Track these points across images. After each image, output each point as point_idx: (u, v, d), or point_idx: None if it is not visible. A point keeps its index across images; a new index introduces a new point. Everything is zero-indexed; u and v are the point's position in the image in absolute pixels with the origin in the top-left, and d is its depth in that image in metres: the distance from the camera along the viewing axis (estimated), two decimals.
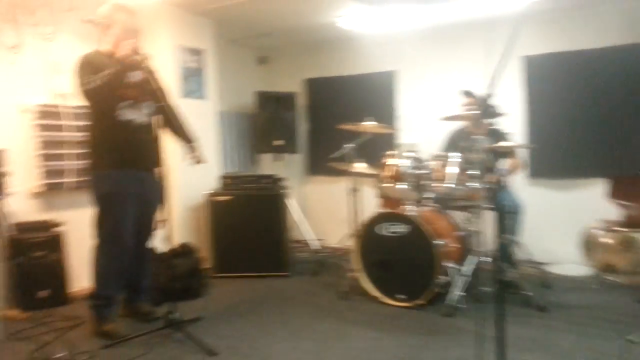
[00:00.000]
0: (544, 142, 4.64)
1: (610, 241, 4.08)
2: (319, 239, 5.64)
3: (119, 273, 3.08)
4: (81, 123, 3.20)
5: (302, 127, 5.93)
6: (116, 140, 2.99)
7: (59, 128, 3.71)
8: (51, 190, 3.71)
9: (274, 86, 6.05)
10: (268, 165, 6.06)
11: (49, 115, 3.68)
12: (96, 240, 3.04)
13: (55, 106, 3.72)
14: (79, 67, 2.91)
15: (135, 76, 3.02)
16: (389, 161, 3.89)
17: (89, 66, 2.90)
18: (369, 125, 4.04)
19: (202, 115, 4.70)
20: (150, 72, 2.93)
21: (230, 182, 4.43)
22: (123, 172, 3.01)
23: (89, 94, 2.85)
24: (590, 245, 4.01)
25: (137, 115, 3.04)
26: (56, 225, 3.67)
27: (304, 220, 5.71)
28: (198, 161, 3.25)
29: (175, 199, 4.35)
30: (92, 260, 3.04)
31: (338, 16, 4.71)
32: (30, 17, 3.61)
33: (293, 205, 5.30)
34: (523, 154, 4.39)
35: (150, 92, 3.05)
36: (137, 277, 3.29)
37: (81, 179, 3.59)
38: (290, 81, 6.02)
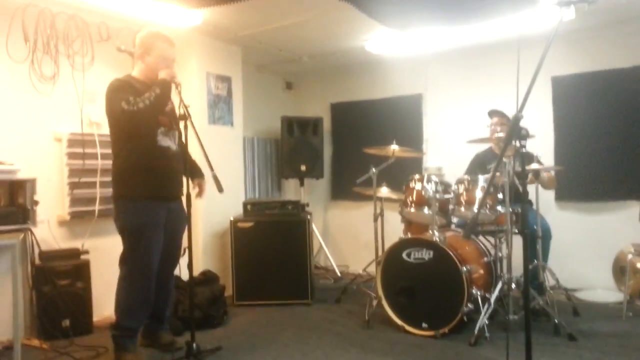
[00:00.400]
0: (572, 164, 4.56)
1: None
2: (341, 265, 5.62)
3: (143, 305, 3.03)
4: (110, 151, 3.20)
5: (327, 152, 5.97)
6: (152, 167, 2.97)
7: (89, 156, 3.80)
8: (78, 218, 3.77)
9: (300, 111, 6.13)
10: (293, 190, 6.12)
11: (80, 143, 3.77)
12: (123, 271, 3.00)
13: (88, 134, 3.82)
14: (115, 89, 2.89)
15: (168, 104, 3.08)
16: (414, 185, 3.88)
17: (129, 88, 2.90)
18: (394, 149, 4.04)
19: (229, 142, 4.78)
20: (179, 102, 2.94)
21: (253, 208, 4.44)
22: (156, 202, 3.00)
23: (133, 115, 2.79)
24: (622, 270, 3.87)
25: (171, 142, 3.07)
26: (82, 253, 3.69)
27: (327, 246, 5.71)
28: (201, 195, 3.31)
29: (199, 225, 4.40)
30: (117, 290, 3.01)
31: (366, 40, 4.76)
32: (67, 48, 3.75)
33: (316, 231, 5.31)
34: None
35: (177, 120, 3.09)
36: (161, 306, 3.26)
37: (107, 206, 3.62)
38: (316, 106, 6.09)
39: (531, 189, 3.84)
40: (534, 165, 3.62)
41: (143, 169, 2.96)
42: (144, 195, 2.96)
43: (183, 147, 3.10)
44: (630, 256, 3.82)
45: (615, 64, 4.44)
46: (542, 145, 4.25)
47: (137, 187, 2.96)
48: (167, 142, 3.05)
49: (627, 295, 3.78)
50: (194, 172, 3.30)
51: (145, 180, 2.96)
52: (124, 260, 3.01)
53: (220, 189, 2.88)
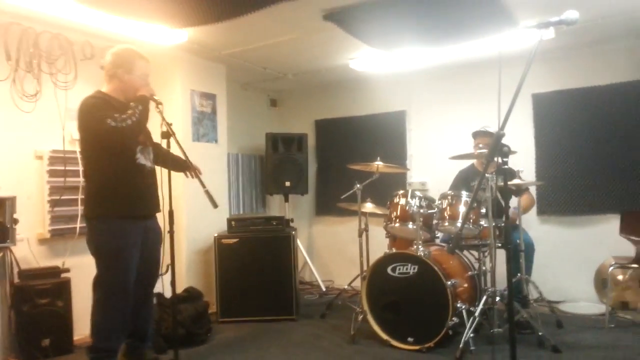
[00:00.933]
0: (553, 179, 4.65)
1: (624, 278, 4.00)
2: (327, 281, 5.61)
3: (120, 326, 2.97)
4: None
5: (312, 168, 5.98)
6: (131, 185, 2.94)
7: (70, 173, 3.78)
8: (59, 236, 3.74)
9: (285, 128, 6.15)
10: (277, 206, 6.12)
11: (62, 160, 3.75)
12: (97, 294, 2.94)
13: (69, 152, 3.80)
14: (94, 106, 2.84)
15: None
16: (399, 201, 3.90)
17: (108, 105, 2.86)
18: (379, 165, 4.07)
19: (213, 159, 4.77)
20: (161, 120, 2.92)
21: (238, 224, 4.43)
22: (130, 221, 2.94)
23: (121, 132, 2.75)
24: (604, 282, 3.93)
25: (146, 160, 3.05)
26: (62, 271, 3.64)
27: (312, 262, 5.70)
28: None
29: (182, 242, 4.37)
30: (92, 312, 2.94)
31: (351, 58, 4.81)
32: (50, 66, 3.73)
33: (301, 247, 5.30)
34: (532, 191, 4.38)
35: (150, 138, 3.11)
36: (142, 325, 3.19)
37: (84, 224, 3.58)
38: (301, 122, 6.12)
39: (513, 203, 3.88)
40: (516, 181, 3.68)
41: (121, 188, 2.92)
42: (121, 214, 2.91)
43: (162, 152, 3.11)
44: (611, 268, 3.89)
45: (593, 82, 4.54)
46: (524, 160, 4.33)
47: (114, 207, 2.91)
48: (143, 160, 3.03)
49: (609, 307, 3.83)
50: (181, 164, 3.20)
51: (122, 199, 2.92)
52: (99, 283, 2.93)
53: (214, 205, 2.88)
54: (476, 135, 4.27)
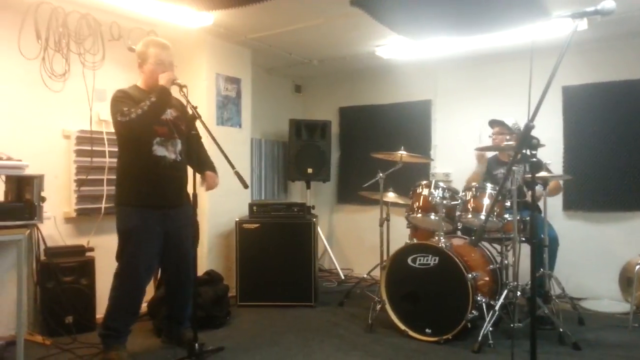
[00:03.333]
0: (581, 173, 4.55)
1: None
2: (346, 269, 5.61)
3: (129, 309, 3.07)
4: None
5: (335, 156, 5.96)
6: (145, 177, 2.99)
7: (97, 154, 3.83)
8: (85, 216, 3.81)
9: (308, 114, 6.14)
10: (299, 192, 6.12)
11: (89, 141, 3.81)
12: (116, 269, 3.07)
13: (96, 132, 3.85)
14: (116, 99, 2.94)
15: (167, 114, 3.08)
16: (421, 191, 3.87)
17: (127, 98, 2.95)
18: (402, 154, 4.03)
19: (236, 143, 4.77)
20: (186, 103, 2.96)
21: (259, 209, 4.44)
22: (145, 210, 3.01)
23: (128, 125, 2.85)
24: (629, 281, 3.84)
25: (167, 152, 3.06)
26: (87, 250, 3.72)
27: (332, 250, 5.70)
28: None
29: (204, 225, 4.40)
30: (110, 290, 3.07)
31: (377, 45, 4.76)
32: (79, 46, 3.77)
33: (321, 234, 5.30)
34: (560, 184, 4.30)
35: (180, 130, 3.12)
36: (179, 310, 3.33)
37: (112, 204, 3.64)
38: (325, 109, 6.10)
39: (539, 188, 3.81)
40: (543, 174, 3.60)
41: (136, 178, 3.01)
42: (134, 202, 3.01)
43: (193, 145, 3.11)
44: (637, 267, 3.78)
45: (627, 76, 4.41)
46: (551, 154, 4.23)
47: (130, 195, 3.02)
48: (163, 152, 3.04)
49: (633, 306, 3.75)
50: (203, 165, 3.25)
51: (137, 189, 3.00)
52: (117, 261, 3.07)
53: (245, 185, 2.93)
54: (492, 124, 4.27)
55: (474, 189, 3.72)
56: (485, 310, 3.38)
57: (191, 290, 3.20)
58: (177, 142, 3.13)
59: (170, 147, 3.08)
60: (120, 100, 2.94)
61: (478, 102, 5.15)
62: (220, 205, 4.53)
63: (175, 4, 3.64)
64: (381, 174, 4.06)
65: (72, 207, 3.75)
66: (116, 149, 3.17)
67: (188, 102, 2.95)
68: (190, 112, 2.97)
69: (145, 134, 2.97)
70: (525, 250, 3.10)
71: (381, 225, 4.14)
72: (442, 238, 3.55)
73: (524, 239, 3.53)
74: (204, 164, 3.26)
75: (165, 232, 3.09)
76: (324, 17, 4.00)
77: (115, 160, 3.22)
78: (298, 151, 5.49)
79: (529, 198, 3.17)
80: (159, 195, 3.04)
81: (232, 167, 2.92)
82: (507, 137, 4.09)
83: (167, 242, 3.12)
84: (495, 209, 3.58)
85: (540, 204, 3.75)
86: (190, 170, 3.16)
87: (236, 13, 3.83)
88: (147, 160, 3.00)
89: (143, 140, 2.99)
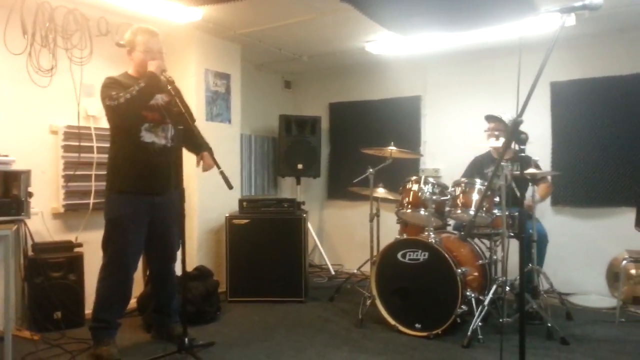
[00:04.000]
0: (569, 169, 4.58)
1: (637, 272, 3.94)
2: (336, 264, 5.62)
3: (119, 299, 3.07)
4: (106, 145, 3.25)
5: (325, 151, 5.96)
6: (134, 162, 3.00)
7: (85, 149, 3.80)
8: (73, 211, 3.78)
9: (298, 110, 6.13)
10: (289, 188, 6.12)
11: (77, 136, 3.77)
12: (103, 260, 3.06)
13: (84, 128, 3.82)
14: (105, 85, 2.96)
15: (158, 99, 3.08)
16: (411, 187, 3.88)
17: (116, 84, 2.95)
18: (392, 150, 4.03)
19: (226, 139, 4.76)
20: (176, 93, 2.96)
21: (249, 205, 4.44)
22: (134, 196, 3.01)
23: (116, 109, 2.86)
24: (616, 276, 3.89)
25: (157, 138, 3.06)
26: (75, 246, 3.69)
27: (322, 245, 5.71)
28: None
29: (194, 221, 4.39)
30: (97, 282, 3.06)
31: (367, 41, 4.75)
32: (66, 41, 3.73)
33: (311, 230, 5.30)
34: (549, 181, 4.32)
35: (171, 115, 3.10)
36: (164, 301, 3.33)
37: (102, 200, 3.58)
38: (315, 105, 6.09)
39: (527, 193, 3.83)
40: (532, 170, 3.62)
41: (125, 164, 3.02)
42: (125, 189, 3.01)
43: (188, 136, 3.07)
44: (624, 262, 3.83)
45: (615, 71, 4.44)
46: (540, 150, 4.27)
47: (119, 181, 3.03)
48: (152, 137, 3.04)
49: (620, 301, 3.79)
50: (198, 146, 3.21)
51: (126, 175, 3.01)
52: (103, 252, 3.07)
53: (229, 186, 2.92)
54: (488, 119, 4.24)
55: (463, 185, 3.73)
56: (474, 305, 3.40)
57: (175, 281, 3.21)
58: (169, 127, 3.12)
59: (160, 132, 3.08)
60: (109, 85, 2.95)
61: (467, 97, 5.17)
62: (210, 201, 4.51)
63: None
64: (371, 170, 4.06)
65: (60, 202, 3.72)
66: (104, 145, 3.17)
67: (175, 95, 2.94)
68: (176, 107, 2.97)
69: (133, 119, 2.96)
70: (514, 245, 3.13)
71: (371, 220, 4.14)
72: (431, 233, 3.56)
73: (512, 234, 3.56)
74: (200, 147, 3.22)
75: (151, 220, 3.09)
76: (314, 13, 3.99)
77: (103, 155, 3.20)
78: (288, 147, 5.49)
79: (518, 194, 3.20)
80: (148, 181, 3.04)
81: (218, 167, 2.95)
82: (496, 133, 4.10)
83: (154, 230, 3.12)
84: (485, 204, 3.60)
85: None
86: (190, 161, 3.14)
87: (225, 8, 3.81)
88: (136, 147, 3.00)
89: (131, 127, 2.98)
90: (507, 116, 4.15)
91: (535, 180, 3.80)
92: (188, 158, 3.29)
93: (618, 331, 3.56)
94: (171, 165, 3.09)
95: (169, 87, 2.94)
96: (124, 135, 3.02)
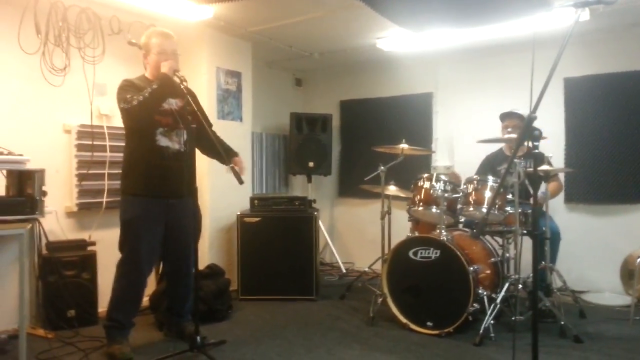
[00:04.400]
0: (583, 166, 4.53)
1: None
2: (347, 262, 5.62)
3: (132, 299, 3.10)
4: (121, 144, 3.28)
5: (336, 149, 5.95)
6: (148, 165, 3.01)
7: (98, 148, 3.82)
8: (86, 210, 3.81)
9: (309, 108, 6.13)
10: (300, 186, 6.12)
11: (90, 135, 3.79)
12: (119, 260, 3.09)
13: (97, 127, 3.84)
14: (121, 88, 2.99)
15: (172, 104, 3.10)
16: (423, 184, 3.86)
17: (131, 87, 2.98)
18: (404, 147, 4.02)
19: (237, 137, 4.73)
20: (190, 94, 2.98)
21: (260, 203, 4.44)
22: (148, 199, 3.03)
23: (130, 112, 2.89)
24: (630, 274, 3.84)
25: (171, 142, 3.08)
26: (89, 244, 3.72)
27: (333, 243, 5.70)
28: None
29: (206, 219, 4.40)
30: (113, 282, 3.10)
31: (378, 38, 4.73)
32: (79, 40, 3.75)
33: (322, 228, 5.29)
34: (561, 178, 4.28)
35: (185, 120, 3.10)
36: (179, 302, 3.35)
37: (115, 199, 3.65)
38: (325, 103, 6.08)
39: (542, 188, 3.80)
40: (545, 167, 3.59)
41: (139, 168, 3.04)
42: (137, 191, 3.04)
43: (204, 137, 3.09)
44: (638, 260, 3.78)
45: (629, 67, 4.38)
46: (553, 146, 4.23)
47: (133, 184, 3.06)
48: (166, 142, 3.06)
49: (634, 299, 3.75)
50: (226, 151, 3.19)
51: (140, 179, 3.03)
52: (120, 252, 3.10)
53: (240, 181, 2.91)
54: (504, 117, 4.18)
55: (475, 182, 3.71)
56: (486, 303, 3.38)
57: (192, 283, 3.21)
58: (182, 132, 3.14)
59: (174, 137, 3.10)
60: (124, 88, 2.98)
61: (479, 94, 5.13)
62: (222, 200, 4.53)
63: None
64: (382, 167, 4.05)
65: (73, 201, 3.75)
66: (117, 143, 3.18)
67: (186, 94, 2.94)
68: (189, 105, 2.97)
69: (147, 122, 2.98)
70: (527, 243, 3.10)
71: (382, 218, 4.13)
72: (443, 231, 3.54)
73: (525, 231, 3.53)
74: (228, 152, 3.22)
75: (166, 222, 3.11)
76: (324, 10, 3.98)
77: (116, 154, 3.21)
78: (299, 145, 5.49)
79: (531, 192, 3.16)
80: (161, 185, 3.06)
81: (228, 163, 2.94)
82: (511, 130, 4.05)
83: (168, 233, 3.14)
84: (497, 201, 3.57)
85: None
86: (201, 160, 3.12)
87: (236, 6, 3.81)
88: (151, 151, 3.02)
89: (146, 130, 3.00)
90: (521, 111, 4.11)
91: (547, 178, 3.76)
92: (201, 156, 3.29)
93: (632, 329, 3.52)
94: (184, 170, 3.09)
95: (182, 86, 2.93)
96: (138, 139, 3.04)
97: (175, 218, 3.13)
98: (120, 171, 3.17)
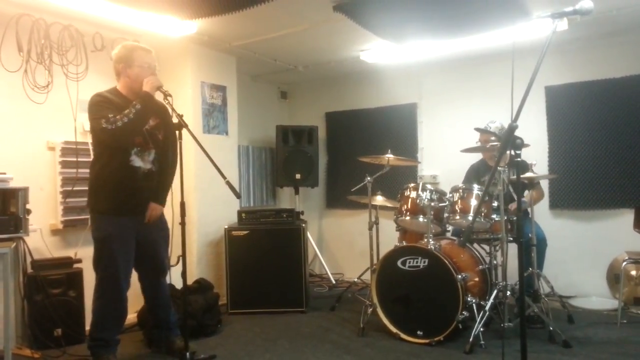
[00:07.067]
0: (566, 172, 4.61)
1: (638, 273, 3.95)
2: (336, 274, 5.61)
3: (115, 316, 3.07)
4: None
5: (322, 161, 5.97)
6: (120, 185, 2.97)
7: (83, 165, 3.77)
8: (71, 227, 3.77)
9: (295, 120, 6.15)
10: (287, 198, 6.12)
11: (74, 152, 3.77)
12: (95, 282, 3.05)
13: (81, 143, 3.81)
14: (94, 105, 2.91)
15: (147, 123, 3.06)
16: (409, 194, 3.88)
17: (107, 104, 2.91)
18: (389, 157, 4.04)
19: (223, 151, 4.76)
20: (171, 111, 2.97)
21: (248, 216, 4.43)
22: (118, 218, 3.00)
23: (114, 133, 2.80)
24: (617, 277, 3.90)
25: (143, 163, 3.05)
26: (74, 262, 3.67)
27: (322, 254, 5.70)
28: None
29: (193, 234, 4.38)
30: (92, 302, 3.06)
31: (362, 50, 4.78)
32: (61, 57, 3.74)
33: (311, 239, 5.29)
34: (544, 185, 4.33)
35: (156, 141, 3.10)
36: (162, 316, 3.32)
37: None
38: (311, 115, 6.11)
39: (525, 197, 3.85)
40: (529, 174, 3.63)
41: (109, 185, 2.99)
42: (108, 210, 3.00)
43: (164, 165, 3.13)
44: (624, 264, 3.84)
45: (607, 74, 4.48)
46: (536, 153, 4.29)
47: (103, 202, 3.02)
48: (139, 162, 3.04)
49: (621, 303, 3.79)
50: (154, 195, 3.17)
51: (110, 197, 2.99)
52: (95, 270, 3.06)
53: (237, 195, 2.93)
54: (479, 132, 4.27)
55: (461, 191, 3.74)
56: (475, 310, 3.40)
57: (169, 295, 3.24)
58: (152, 152, 3.11)
59: (146, 157, 3.07)
60: (101, 105, 2.90)
61: (463, 103, 5.19)
62: (209, 214, 4.51)
63: (158, 13, 3.63)
64: (369, 178, 4.07)
65: (58, 218, 3.71)
66: None
67: (173, 110, 2.95)
68: (176, 120, 2.96)
69: (128, 143, 2.96)
70: (514, 250, 3.13)
71: (370, 228, 4.15)
72: (431, 240, 3.56)
73: (512, 238, 3.56)
74: (155, 195, 3.17)
75: (137, 240, 3.10)
76: (307, 23, 4.01)
77: None
78: (285, 157, 5.49)
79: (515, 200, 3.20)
80: (133, 204, 3.05)
81: (223, 177, 2.92)
82: (492, 138, 4.11)
83: (141, 250, 3.12)
84: (483, 209, 3.60)
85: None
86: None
87: (220, 21, 3.83)
88: (125, 171, 2.99)
89: (122, 149, 2.97)
90: (497, 124, 4.18)
91: (531, 185, 3.81)
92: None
93: (620, 333, 3.55)
94: (153, 189, 3.12)
95: (167, 101, 2.94)
96: (108, 156, 2.98)
97: (146, 234, 3.13)
98: (88, 188, 3.09)
